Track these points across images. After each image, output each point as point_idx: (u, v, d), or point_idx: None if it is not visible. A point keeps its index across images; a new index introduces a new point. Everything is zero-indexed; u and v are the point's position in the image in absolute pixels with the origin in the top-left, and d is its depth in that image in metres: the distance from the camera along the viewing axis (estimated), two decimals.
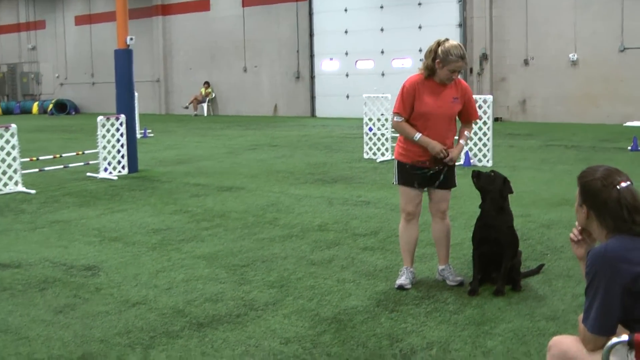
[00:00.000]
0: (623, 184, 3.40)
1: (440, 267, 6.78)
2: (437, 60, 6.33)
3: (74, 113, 37.50)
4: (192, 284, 6.86)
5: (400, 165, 6.67)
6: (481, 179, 6.53)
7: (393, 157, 6.86)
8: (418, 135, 6.41)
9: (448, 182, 6.66)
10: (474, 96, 14.29)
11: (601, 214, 3.43)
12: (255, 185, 12.70)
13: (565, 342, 3.49)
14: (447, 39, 6.44)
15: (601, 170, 3.48)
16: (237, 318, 5.90)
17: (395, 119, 6.54)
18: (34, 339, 5.60)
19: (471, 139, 14.25)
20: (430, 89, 6.45)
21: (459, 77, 6.51)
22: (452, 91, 6.48)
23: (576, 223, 3.66)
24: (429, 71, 6.44)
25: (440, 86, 6.46)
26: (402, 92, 6.52)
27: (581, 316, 3.39)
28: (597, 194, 3.43)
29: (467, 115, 6.68)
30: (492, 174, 6.56)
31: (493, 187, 6.46)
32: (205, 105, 33.32)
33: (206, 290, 6.67)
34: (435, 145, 6.40)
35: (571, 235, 3.69)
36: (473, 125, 6.85)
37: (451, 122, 6.55)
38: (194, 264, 7.59)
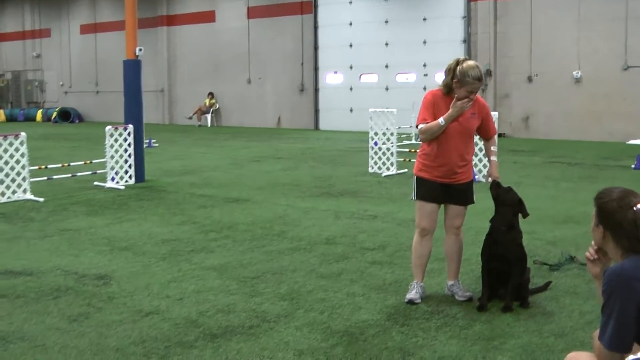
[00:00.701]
0: (639, 206, 3.50)
1: (450, 283, 6.87)
2: (455, 80, 6.43)
3: (77, 121, 37.64)
4: (203, 295, 6.94)
5: (419, 180, 6.75)
6: (500, 189, 6.64)
7: (413, 173, 6.92)
8: (441, 120, 6.48)
9: (465, 198, 6.74)
10: None
11: (617, 234, 3.52)
12: (262, 197, 12.79)
13: (581, 358, 3.58)
14: (466, 59, 6.56)
15: (617, 192, 3.58)
16: (250, 329, 5.98)
17: (419, 127, 6.60)
18: (50, 347, 5.68)
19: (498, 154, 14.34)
20: (448, 104, 6.54)
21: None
22: (471, 107, 6.57)
23: (592, 242, 3.75)
24: (448, 88, 6.55)
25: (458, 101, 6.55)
26: (425, 102, 6.64)
27: (596, 333, 3.48)
28: (614, 215, 3.53)
29: (486, 132, 6.81)
30: (507, 193, 6.66)
31: (508, 201, 6.58)
32: (209, 116, 33.47)
33: (218, 301, 6.76)
34: (455, 105, 6.44)
35: (587, 254, 3.79)
36: (495, 139, 6.91)
37: (470, 138, 6.68)
38: (205, 275, 7.68)
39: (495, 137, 6.94)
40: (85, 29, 39.34)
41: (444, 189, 6.68)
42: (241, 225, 10.38)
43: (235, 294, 6.99)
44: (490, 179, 6.69)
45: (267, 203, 12.21)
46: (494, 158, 6.80)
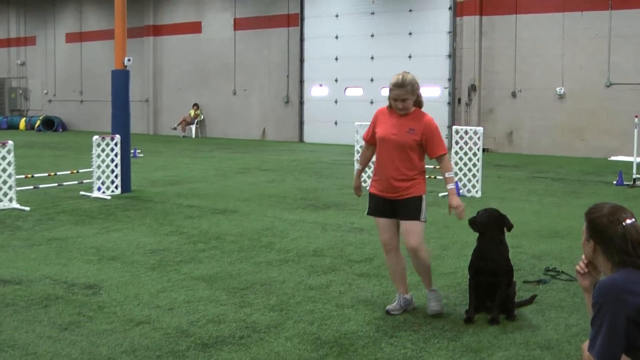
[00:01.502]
0: (628, 221, 3.60)
1: (427, 291, 6.94)
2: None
3: (61, 130, 37.54)
4: (193, 305, 6.98)
5: (369, 195, 6.92)
6: (477, 224, 6.71)
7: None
8: (357, 167, 6.77)
9: (410, 214, 6.67)
10: (463, 127, 14.47)
11: (607, 248, 3.62)
12: (249, 209, 12.84)
13: None
14: (403, 72, 6.75)
15: (607, 207, 3.68)
16: (241, 340, 6.04)
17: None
18: (42, 355, 5.71)
19: (456, 173, 14.47)
20: (389, 117, 6.73)
21: (405, 105, 6.61)
22: (410, 122, 6.65)
23: (582, 256, 3.85)
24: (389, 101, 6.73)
25: (399, 116, 6.68)
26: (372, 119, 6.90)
27: (586, 344, 3.57)
28: (604, 230, 3.63)
29: (430, 150, 6.68)
30: (485, 212, 6.72)
31: (490, 227, 6.67)
32: (193, 127, 33.49)
33: (208, 311, 6.80)
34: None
35: (577, 267, 3.88)
36: (448, 161, 6.82)
37: (405, 152, 6.63)
38: (194, 285, 7.72)
39: (444, 158, 6.74)
40: (71, 38, 39.28)
41: (391, 204, 6.73)
42: (229, 236, 10.43)
43: (225, 304, 7.04)
44: (452, 212, 6.64)
45: (254, 214, 12.27)
46: (450, 186, 6.66)
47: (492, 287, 6.56)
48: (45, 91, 40.68)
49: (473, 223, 6.74)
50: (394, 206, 6.71)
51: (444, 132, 26.26)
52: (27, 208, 12.66)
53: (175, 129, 33.75)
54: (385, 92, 25.93)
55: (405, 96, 6.54)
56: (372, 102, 28.66)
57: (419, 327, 6.38)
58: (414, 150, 6.64)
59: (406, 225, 6.68)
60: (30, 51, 41.45)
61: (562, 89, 24.48)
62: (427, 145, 6.65)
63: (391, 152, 6.64)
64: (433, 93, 26.99)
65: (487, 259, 6.58)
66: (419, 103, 6.76)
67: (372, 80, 28.77)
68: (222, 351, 5.78)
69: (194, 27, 34.24)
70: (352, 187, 7.16)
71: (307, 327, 6.37)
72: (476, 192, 14.46)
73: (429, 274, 6.86)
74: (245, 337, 6.11)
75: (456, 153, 14.71)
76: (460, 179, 14.58)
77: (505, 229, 6.72)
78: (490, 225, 6.67)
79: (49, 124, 37.36)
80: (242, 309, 6.90)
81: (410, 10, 27.70)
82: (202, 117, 33.78)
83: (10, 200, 12.84)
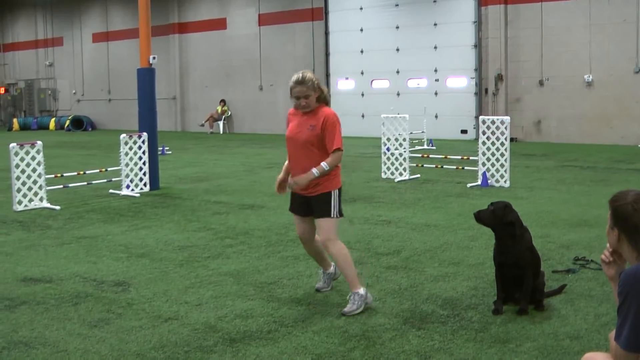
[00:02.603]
0: None
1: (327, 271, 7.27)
2: None
3: (90, 129, 37.85)
4: (221, 300, 7.02)
5: (291, 193, 7.00)
6: (482, 217, 6.65)
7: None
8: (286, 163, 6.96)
9: (319, 210, 6.70)
10: (490, 117, 14.39)
11: (632, 236, 3.59)
12: (276, 203, 12.86)
13: (598, 358, 3.64)
14: (302, 70, 6.86)
15: (632, 195, 3.64)
16: (269, 334, 6.06)
17: None
18: (72, 352, 5.77)
19: (484, 163, 14.41)
20: (295, 117, 6.83)
21: (307, 102, 6.64)
22: (311, 119, 6.68)
23: (607, 245, 3.82)
24: None
25: (303, 115, 6.75)
26: None
27: (613, 334, 3.55)
28: (628, 218, 3.59)
29: (327, 145, 6.63)
30: (491, 207, 6.63)
31: (497, 221, 6.57)
32: (221, 123, 33.60)
33: (236, 306, 6.83)
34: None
35: (602, 256, 3.85)
36: (336, 157, 6.61)
37: (310, 150, 6.64)
38: (222, 281, 7.76)
39: (335, 154, 6.58)
40: (98, 38, 39.56)
41: (305, 201, 6.78)
42: (256, 231, 10.47)
43: (252, 299, 7.07)
44: (291, 183, 6.67)
45: (281, 209, 12.28)
46: (314, 170, 6.53)
47: (518, 278, 6.52)
48: (74, 91, 41.01)
49: (478, 219, 6.69)
50: (308, 202, 6.77)
51: (471, 123, 26.18)
52: (58, 207, 12.78)
53: (202, 125, 33.89)
54: (412, 83, 25.91)
55: (306, 92, 6.60)
56: (398, 94, 28.62)
57: (446, 318, 6.36)
58: (318, 146, 6.64)
59: (317, 221, 6.78)
60: (58, 52, 41.81)
61: (590, 77, 24.26)
62: (324, 140, 6.63)
63: (297, 151, 6.72)
64: (459, 83, 26.88)
65: (507, 253, 6.53)
66: (324, 99, 6.79)
67: (398, 72, 28.69)
68: (249, 346, 5.81)
69: (219, 24, 34.34)
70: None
71: (335, 320, 6.38)
72: (505, 182, 14.38)
73: (347, 272, 6.69)
74: (273, 331, 6.13)
75: (484, 143, 14.64)
76: (488, 169, 14.51)
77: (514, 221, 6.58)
78: (497, 222, 6.59)
79: (78, 123, 37.68)
80: (269, 303, 6.92)
81: (435, 1, 27.57)
82: (229, 113, 33.88)
83: (41, 199, 12.97)
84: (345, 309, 6.56)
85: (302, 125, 6.71)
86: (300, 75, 6.65)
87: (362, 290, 6.63)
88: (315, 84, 6.64)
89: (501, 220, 6.54)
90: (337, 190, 6.73)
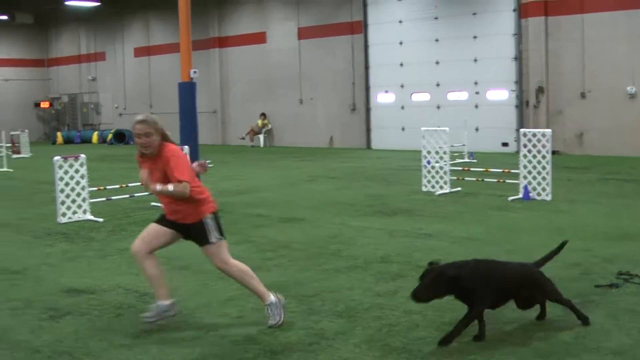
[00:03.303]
0: None
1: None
2: None
3: (132, 143, 38.18)
4: (262, 313, 7.03)
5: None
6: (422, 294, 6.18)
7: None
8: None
9: (198, 241, 6.81)
10: (531, 130, 14.30)
11: None
12: (316, 216, 12.90)
13: None
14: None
15: None
16: (310, 347, 6.08)
17: None
18: None
19: (525, 177, 14.32)
20: (145, 164, 6.76)
21: (149, 141, 6.59)
22: (157, 163, 6.64)
23: None
24: None
25: (150, 160, 6.71)
26: None
27: None
28: None
29: (171, 179, 6.55)
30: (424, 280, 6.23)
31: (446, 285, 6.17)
32: (261, 137, 33.76)
33: None
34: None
35: None
36: (182, 186, 6.48)
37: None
38: None
39: (182, 186, 6.47)
40: (139, 52, 40.03)
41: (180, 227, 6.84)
42: (297, 244, 10.50)
43: (293, 311, 7.09)
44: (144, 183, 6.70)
45: (321, 222, 12.32)
46: (157, 186, 6.54)
47: (527, 300, 6.50)
48: (116, 105, 41.50)
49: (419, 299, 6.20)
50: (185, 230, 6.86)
51: (511, 135, 26.01)
52: (101, 219, 12.94)
53: (243, 138, 34.09)
54: (452, 96, 25.83)
55: (147, 130, 6.55)
56: (438, 107, 28.55)
57: (487, 332, 6.33)
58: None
59: (203, 251, 6.85)
60: (101, 66, 42.37)
61: (633, 88, 24.00)
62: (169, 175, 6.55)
63: (160, 196, 6.75)
64: (500, 96, 26.75)
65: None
66: (168, 139, 6.74)
67: (437, 85, 28.63)
68: (290, 358, 5.84)
69: (259, 38, 34.56)
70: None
71: (375, 333, 6.38)
72: (546, 195, 14.26)
73: (252, 287, 6.79)
74: (314, 343, 6.15)
75: (525, 156, 14.55)
76: (529, 182, 14.39)
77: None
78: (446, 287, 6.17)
79: (120, 136, 38.10)
80: (310, 316, 6.94)
81: (474, 14, 27.49)
82: (269, 127, 34.03)
83: (84, 212, 13.14)
84: (270, 323, 6.61)
85: (152, 173, 6.67)
86: (143, 116, 6.66)
87: (272, 298, 6.72)
88: (157, 124, 6.62)
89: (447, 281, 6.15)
90: (210, 216, 6.72)
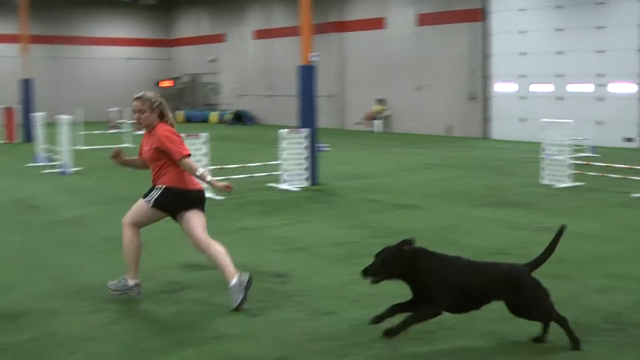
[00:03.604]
0: None
1: None
2: None
3: (249, 124, 38.81)
4: (379, 298, 7.04)
5: None
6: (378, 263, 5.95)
7: None
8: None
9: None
10: None
11: None
12: (433, 204, 12.81)
13: None
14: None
15: None
16: (429, 335, 6.04)
17: None
18: (233, 338, 5.97)
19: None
20: (145, 137, 7.33)
21: (142, 118, 7.15)
22: (151, 139, 7.13)
23: None
24: None
25: (147, 135, 7.26)
26: None
27: None
28: None
29: (173, 157, 7.01)
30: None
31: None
32: (378, 122, 33.70)
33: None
34: None
35: None
36: (188, 161, 7.04)
37: (154, 164, 7.15)
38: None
39: (187, 160, 7.00)
40: (259, 35, 40.51)
41: None
42: (413, 231, 10.37)
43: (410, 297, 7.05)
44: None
45: (438, 210, 12.23)
46: (208, 178, 7.09)
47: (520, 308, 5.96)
48: (234, 86, 42.16)
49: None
50: None
51: (636, 130, 25.13)
52: (221, 197, 13.19)
53: (359, 123, 34.12)
54: (574, 88, 25.06)
55: (141, 107, 7.09)
56: (560, 99, 27.86)
57: (611, 333, 6.13)
58: (159, 162, 7.10)
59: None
60: (221, 48, 43.11)
61: None
62: (168, 155, 7.02)
63: (149, 166, 7.24)
64: (625, 89, 25.88)
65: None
66: (162, 116, 7.22)
67: (559, 76, 27.93)
68: (407, 345, 5.81)
69: (378, 23, 34.44)
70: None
71: (495, 325, 6.29)
72: None
73: (127, 259, 7.16)
74: (432, 332, 6.10)
75: None
76: None
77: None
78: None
79: (239, 117, 38.72)
80: None
81: (599, 3, 26.64)
82: (387, 113, 33.93)
83: (207, 189, 13.39)
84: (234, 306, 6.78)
85: (146, 145, 7.24)
86: (142, 93, 7.24)
87: (130, 282, 7.15)
88: (153, 104, 7.11)
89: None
90: (163, 187, 7.11)
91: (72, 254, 9.27)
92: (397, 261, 5.77)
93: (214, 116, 40.14)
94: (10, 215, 12.07)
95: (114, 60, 45.12)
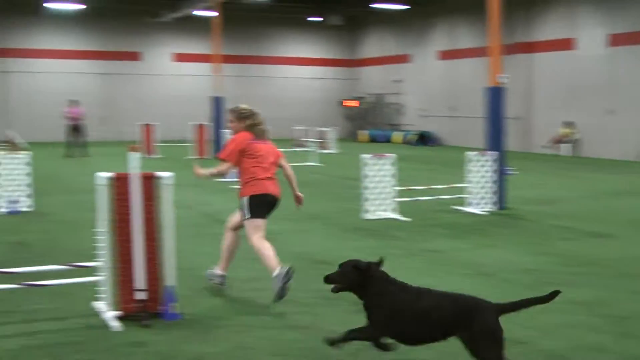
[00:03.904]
0: None
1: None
2: None
3: (433, 145, 38.67)
4: (570, 330, 6.83)
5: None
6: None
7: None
8: None
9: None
10: None
11: None
12: (627, 233, 12.25)
13: None
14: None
15: None
16: None
17: None
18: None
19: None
20: None
21: (231, 127, 8.38)
22: None
23: None
24: None
25: None
26: None
27: None
28: None
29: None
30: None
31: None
32: (565, 146, 32.69)
33: (586, 338, 6.61)
34: None
35: None
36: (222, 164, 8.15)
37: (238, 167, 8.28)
38: (570, 309, 7.53)
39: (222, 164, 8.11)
40: (444, 55, 40.37)
41: None
42: (607, 261, 10.04)
43: (602, 332, 6.79)
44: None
45: (634, 240, 11.69)
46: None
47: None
48: (421, 107, 42.14)
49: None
50: None
51: None
52: (409, 219, 13.22)
53: (546, 147, 33.23)
54: None
55: (231, 117, 8.25)
56: None
57: None
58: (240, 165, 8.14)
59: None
60: (405, 68, 43.27)
61: None
62: None
63: None
64: None
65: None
66: (252, 129, 8.13)
67: None
68: None
69: (567, 44, 33.48)
70: None
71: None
72: None
73: (264, 263, 8.04)
74: None
75: None
76: None
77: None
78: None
79: (422, 138, 38.67)
80: (623, 339, 6.60)
81: None
82: (575, 136, 32.86)
83: (391, 210, 13.53)
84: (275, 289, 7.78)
85: None
86: (234, 106, 8.33)
87: (277, 271, 7.84)
88: (240, 114, 8.14)
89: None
90: (246, 199, 8.04)
91: (257, 267, 9.54)
92: (352, 276, 5.72)
93: (397, 136, 40.28)
94: (202, 228, 12.58)
95: (300, 79, 46.33)
